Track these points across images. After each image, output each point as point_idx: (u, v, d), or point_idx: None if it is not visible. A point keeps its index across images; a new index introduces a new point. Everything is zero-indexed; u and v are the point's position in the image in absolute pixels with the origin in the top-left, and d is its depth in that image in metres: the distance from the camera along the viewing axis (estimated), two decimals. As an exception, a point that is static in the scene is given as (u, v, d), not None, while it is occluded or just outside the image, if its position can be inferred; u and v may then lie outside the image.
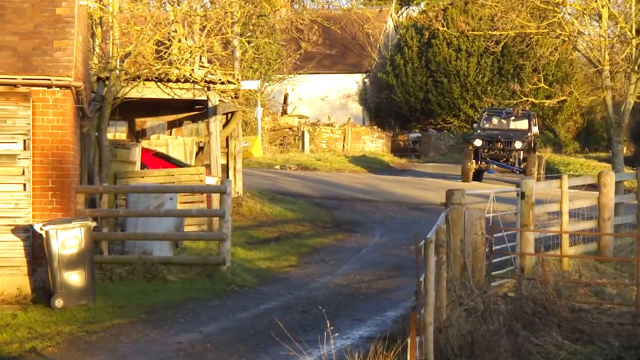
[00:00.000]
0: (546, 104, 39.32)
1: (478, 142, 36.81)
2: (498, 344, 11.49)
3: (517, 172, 37.19)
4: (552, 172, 37.74)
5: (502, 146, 36.90)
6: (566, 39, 32.69)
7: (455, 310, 12.41)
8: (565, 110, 57.81)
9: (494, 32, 34.07)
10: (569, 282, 15.41)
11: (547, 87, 35.06)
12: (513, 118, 38.04)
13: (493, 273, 15.15)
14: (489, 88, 54.67)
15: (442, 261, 11.80)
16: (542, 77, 35.99)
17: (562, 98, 35.17)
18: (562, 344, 12.30)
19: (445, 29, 38.12)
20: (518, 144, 36.74)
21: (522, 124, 38.26)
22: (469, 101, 55.99)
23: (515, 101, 34.81)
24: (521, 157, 36.86)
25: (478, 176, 37.22)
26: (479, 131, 37.79)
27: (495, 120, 38.50)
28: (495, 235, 15.31)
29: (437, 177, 40.05)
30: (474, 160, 36.60)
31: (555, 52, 36.59)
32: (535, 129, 38.76)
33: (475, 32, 39.29)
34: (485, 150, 36.81)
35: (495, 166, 37.52)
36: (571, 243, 18.46)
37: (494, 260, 15.40)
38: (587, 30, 32.43)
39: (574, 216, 19.31)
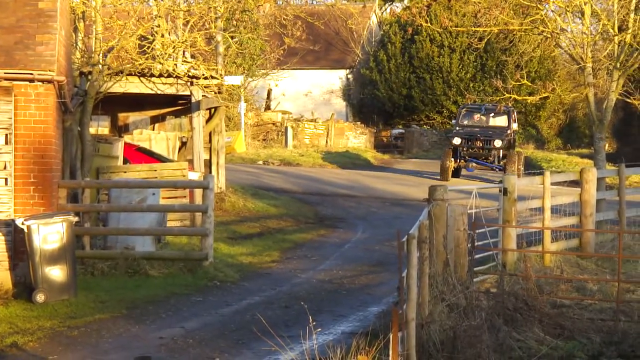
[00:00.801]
0: (529, 101, 39.38)
1: (457, 140, 36.03)
2: (480, 340, 11.51)
3: (497, 169, 36.55)
4: (534, 169, 37.87)
5: (481, 144, 36.10)
6: (549, 35, 32.76)
7: (437, 305, 12.44)
8: (548, 107, 57.99)
9: (477, 29, 34.13)
10: (551, 277, 15.46)
11: (529, 83, 35.03)
12: (492, 115, 37.24)
13: (475, 269, 15.17)
14: (471, 84, 54.77)
15: (424, 257, 11.82)
16: (525, 74, 36.14)
17: (544, 95, 35.24)
18: (544, 340, 12.34)
19: (429, 25, 38.03)
20: (498, 143, 36.00)
21: (502, 121, 37.43)
22: (451, 97, 56.06)
23: (498, 97, 34.87)
24: (501, 155, 36.12)
25: (456, 173, 36.42)
26: (457, 128, 37.02)
27: (474, 117, 37.55)
28: (477, 231, 15.35)
29: (415, 175, 39.61)
30: (452, 159, 35.72)
31: (537, 49, 36.78)
32: (514, 126, 38.11)
33: (459, 29, 39.43)
34: (465, 149, 35.97)
35: (474, 164, 36.68)
36: (553, 239, 18.53)
37: (477, 256, 15.44)
38: (569, 27, 32.51)
39: (556, 212, 19.38)
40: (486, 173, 38.85)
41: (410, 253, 10.86)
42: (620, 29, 30.90)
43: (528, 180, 19.19)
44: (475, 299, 13.02)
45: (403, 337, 10.42)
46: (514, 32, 34.64)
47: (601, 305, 14.52)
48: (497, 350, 11.63)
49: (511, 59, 41.75)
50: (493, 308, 12.90)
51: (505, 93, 33.20)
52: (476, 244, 15.11)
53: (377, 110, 58.69)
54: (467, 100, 40.87)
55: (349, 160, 46.84)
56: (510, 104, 35.80)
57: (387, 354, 9.90)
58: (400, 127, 57.51)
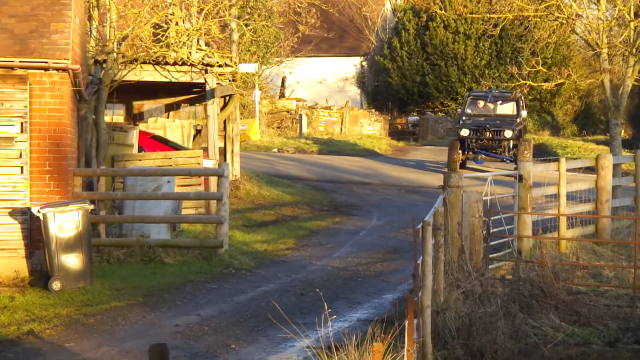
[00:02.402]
0: (544, 87, 39.18)
1: (465, 132, 33.52)
2: (495, 326, 11.51)
3: (507, 161, 34.10)
4: (549, 155, 37.65)
5: (490, 135, 33.57)
6: (564, 21, 32.60)
7: (452, 292, 12.43)
8: (563, 93, 57.77)
9: (492, 15, 33.98)
10: (567, 264, 15.43)
11: (545, 70, 34.90)
12: (500, 102, 34.89)
13: (491, 256, 15.16)
14: (486, 71, 54.58)
15: (439, 244, 11.80)
16: (540, 60, 35.94)
17: (560, 81, 35.06)
18: (560, 326, 12.33)
19: (443, 11, 37.93)
20: (508, 133, 33.58)
21: (509, 108, 35.05)
22: (466, 84, 55.87)
23: (513, 84, 34.74)
24: (511, 145, 33.81)
25: (463, 166, 33.92)
26: (464, 118, 34.47)
27: (481, 105, 35.06)
28: (492, 218, 15.33)
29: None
30: (460, 151, 33.28)
31: (553, 35, 36.48)
32: (524, 113, 35.94)
33: (473, 15, 39.11)
34: (473, 140, 33.54)
35: (483, 156, 34.45)
36: (569, 226, 18.49)
37: (492, 243, 15.43)
38: (585, 12, 32.34)
39: (571, 199, 19.33)
40: (496, 164, 38.21)
41: (426, 240, 10.86)
42: (636, 15, 30.74)
43: (543, 167, 19.14)
44: (491, 285, 13.01)
45: (418, 324, 10.42)
46: (529, 18, 34.46)
47: (617, 291, 14.49)
48: (512, 337, 11.63)
49: (526, 46, 41.57)
50: (509, 295, 12.89)
51: (520, 79, 33.05)
52: (491, 230, 15.09)
53: (392, 98, 58.59)
54: (483, 87, 40.06)
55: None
56: (525, 90, 35.55)
57: (403, 341, 9.90)
58: (415, 114, 57.41)
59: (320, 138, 48.90)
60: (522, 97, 36.24)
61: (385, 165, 38.00)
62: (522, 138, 34.49)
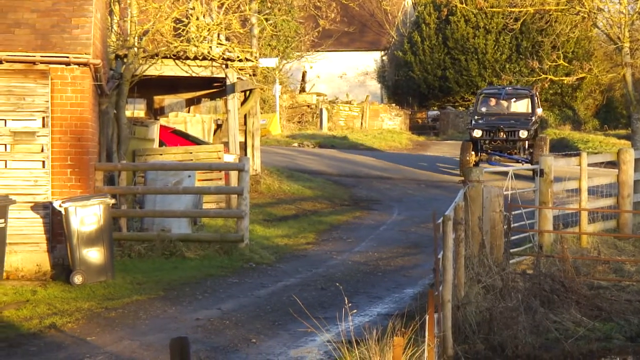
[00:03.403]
0: (565, 82, 39.06)
1: (477, 133, 31.15)
2: (516, 321, 11.49)
3: (523, 162, 31.53)
4: (570, 150, 37.56)
5: (504, 136, 31.20)
6: (586, 15, 32.50)
7: (473, 287, 12.42)
8: (585, 87, 57.56)
9: (512, 9, 33.92)
10: (588, 259, 15.39)
11: (566, 64, 34.80)
12: (514, 99, 32.65)
13: (511, 250, 15.14)
14: (507, 65, 54.44)
15: (460, 238, 11.79)
16: (561, 54, 35.79)
17: (581, 75, 34.96)
18: (581, 321, 12.30)
19: (464, 5, 37.80)
20: (523, 134, 31.16)
21: (524, 105, 32.70)
22: (487, 79, 55.75)
23: (534, 78, 34.65)
24: (526, 146, 31.47)
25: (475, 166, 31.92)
26: (476, 117, 32.17)
27: (493, 103, 32.84)
28: (513, 212, 15.29)
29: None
30: (473, 153, 31.12)
31: (574, 29, 36.37)
32: (539, 111, 33.24)
33: (494, 9, 39.05)
34: (486, 142, 31.25)
35: (497, 157, 31.99)
36: (590, 220, 18.43)
37: (513, 238, 15.39)
38: (606, 6, 32.23)
39: (592, 193, 19.26)
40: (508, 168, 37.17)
41: (446, 235, 10.85)
42: (658, 8, 30.60)
43: (565, 162, 19.08)
44: (512, 280, 12.99)
45: (439, 318, 10.41)
46: (550, 12, 34.37)
47: (639, 286, 14.43)
48: (533, 332, 11.60)
49: (547, 40, 41.39)
50: (529, 289, 12.87)
51: (541, 74, 32.98)
52: (512, 225, 15.06)
53: (412, 92, 58.53)
54: (504, 82, 39.66)
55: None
56: (546, 85, 35.35)
57: (423, 336, 9.89)
58: (435, 108, 57.32)
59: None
60: (537, 94, 34.05)
61: (405, 159, 37.92)
62: (537, 137, 32.27)
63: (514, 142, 31.38)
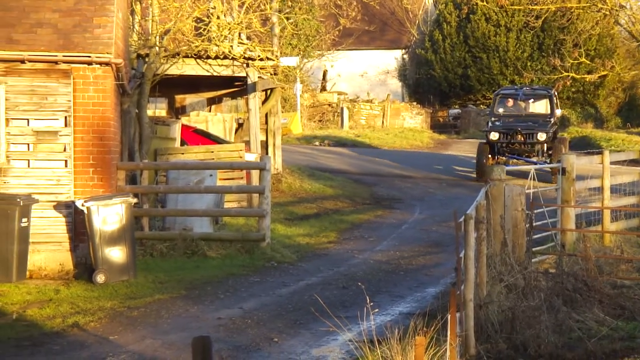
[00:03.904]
0: (587, 79, 38.90)
1: (494, 136, 30.05)
2: (539, 320, 11.44)
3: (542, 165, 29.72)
4: (593, 148, 37.36)
5: (523, 139, 30.00)
6: (608, 12, 32.36)
7: (495, 286, 12.38)
8: (607, 85, 57.29)
9: (534, 7, 33.82)
10: (611, 258, 15.32)
11: (588, 62, 34.63)
12: (532, 100, 31.51)
13: (534, 249, 15.08)
14: (529, 63, 54.24)
15: (482, 237, 11.76)
16: (583, 52, 35.64)
17: (603, 73, 34.82)
18: (604, 320, 12.23)
19: (485, 3, 37.69)
20: (542, 136, 29.91)
21: (542, 106, 31.39)
22: (508, 77, 55.58)
23: (556, 76, 34.53)
24: (545, 148, 30.28)
25: None
26: (493, 119, 31.06)
27: (510, 104, 31.69)
28: (535, 211, 15.24)
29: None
30: (489, 156, 29.98)
31: (596, 27, 36.24)
32: (558, 112, 31.92)
33: (515, 7, 38.86)
34: (504, 145, 30.07)
35: (515, 161, 30.77)
36: (613, 219, 18.35)
37: (535, 237, 15.34)
38: (628, 3, 32.10)
39: (615, 192, 19.17)
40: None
41: (468, 233, 10.82)
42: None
43: (587, 160, 19.00)
44: (534, 279, 12.93)
45: (461, 317, 10.39)
46: (572, 10, 34.23)
47: (662, 285, 14.34)
48: (556, 331, 11.55)
49: (569, 37, 41.28)
50: (552, 289, 12.81)
51: (563, 72, 32.86)
52: (534, 224, 15.00)
53: (433, 91, 58.42)
54: (526, 80, 39.35)
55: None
56: (568, 83, 35.14)
57: (445, 335, 9.87)
58: (456, 107, 57.21)
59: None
60: (556, 93, 32.89)
61: (426, 158, 37.86)
62: (556, 139, 31.05)
63: (532, 145, 30.24)
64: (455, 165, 35.07)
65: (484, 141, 30.73)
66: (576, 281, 13.10)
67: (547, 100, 31.41)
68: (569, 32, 42.14)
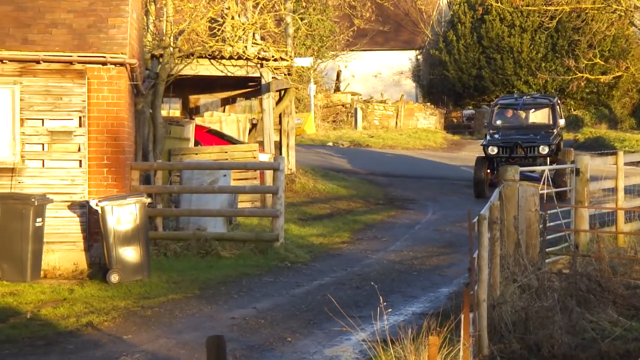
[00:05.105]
0: (601, 80, 38.75)
1: (493, 150, 27.71)
2: (552, 321, 11.43)
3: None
4: (607, 149, 37.27)
5: (523, 152, 27.65)
6: (622, 14, 32.25)
7: (508, 286, 12.37)
8: (621, 86, 57.13)
9: (548, 8, 33.70)
10: (625, 258, 15.28)
11: (602, 62, 34.48)
12: (533, 110, 29.41)
13: (547, 250, 15.05)
14: (543, 64, 54.14)
15: (495, 238, 11.75)
16: (598, 53, 35.52)
17: (618, 74, 34.67)
18: (618, 321, 12.21)
19: (499, 4, 37.62)
20: (544, 149, 27.60)
21: (544, 116, 29.30)
22: (522, 77, 55.50)
23: (570, 77, 34.42)
24: (548, 162, 27.39)
25: (493, 185, 26.10)
26: (491, 131, 28.81)
27: (510, 114, 29.54)
28: (549, 211, 15.22)
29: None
30: (488, 171, 27.65)
31: (611, 27, 36.07)
32: (562, 122, 29.56)
33: (529, 8, 38.68)
34: (503, 160, 27.32)
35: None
36: (627, 220, 18.30)
37: (548, 237, 15.30)
38: (643, 4, 31.98)
39: (629, 193, 19.13)
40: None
41: (481, 234, 10.81)
42: (696, 7, 30.35)
43: (601, 161, 18.96)
44: (548, 280, 12.92)
45: (474, 317, 10.39)
46: (587, 11, 34.11)
47: (676, 286, 14.30)
48: (569, 332, 11.54)
49: (583, 38, 41.11)
50: (565, 289, 12.79)
51: (577, 72, 32.75)
52: (548, 224, 14.98)
53: (447, 91, 58.37)
54: (540, 80, 39.01)
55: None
56: (582, 84, 35.02)
57: (459, 335, 9.88)
58: (470, 107, 57.14)
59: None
60: (559, 102, 30.73)
61: (440, 159, 37.86)
62: (560, 151, 28.75)
63: (534, 159, 27.69)
64: (467, 167, 35.03)
65: (482, 155, 28.23)
66: (590, 282, 13.08)
67: (549, 109, 29.35)
68: (584, 32, 41.98)
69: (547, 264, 14.57)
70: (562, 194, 19.98)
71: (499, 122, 29.09)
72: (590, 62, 33.10)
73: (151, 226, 17.46)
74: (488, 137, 28.58)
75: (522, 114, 29.48)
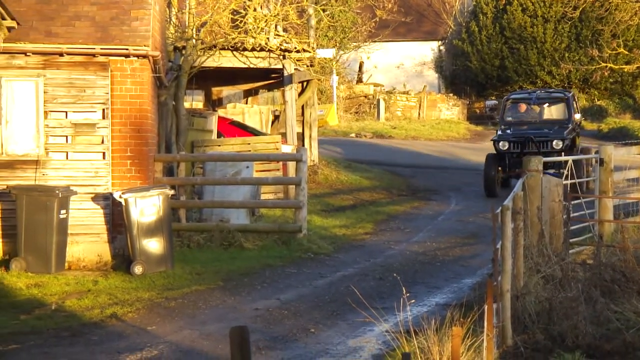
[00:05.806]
0: (625, 70, 38.57)
1: (504, 145, 26.51)
2: (576, 311, 11.39)
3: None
4: (631, 139, 37.07)
5: (536, 148, 26.16)
6: (647, 3, 32.04)
7: (532, 277, 12.33)
8: (645, 76, 56.83)
9: (571, -2, 33.55)
10: (649, 249, 15.19)
11: (626, 52, 34.27)
12: (547, 104, 28.09)
13: (571, 240, 14.99)
14: (566, 54, 53.92)
15: (519, 228, 11.71)
16: (622, 43, 35.31)
17: (642, 63, 34.44)
18: (642, 312, 12.14)
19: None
20: (557, 144, 26.26)
21: (559, 111, 28.00)
22: (546, 68, 55.29)
23: (594, 67, 34.24)
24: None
25: (505, 184, 27.01)
26: (503, 126, 27.59)
27: (523, 109, 28.17)
28: (573, 202, 15.16)
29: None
30: (500, 168, 26.56)
31: (635, 17, 35.86)
32: (577, 116, 28.29)
33: (552, -2, 38.52)
34: (515, 156, 26.14)
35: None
36: (651, 210, 18.20)
37: (572, 228, 15.25)
38: (668, -7, 31.78)
39: (654, 183, 19.03)
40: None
41: (505, 224, 10.78)
42: None
43: (625, 151, 18.86)
44: (572, 270, 12.86)
45: (498, 308, 10.36)
46: (610, 0, 33.94)
47: (701, 276, 14.22)
48: (594, 322, 11.49)
49: (607, 28, 40.91)
50: (589, 280, 12.74)
51: (601, 62, 32.58)
52: (572, 215, 14.93)
53: (470, 82, 58.22)
54: (564, 70, 38.78)
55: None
56: (606, 73, 34.81)
57: (482, 326, 9.86)
58: (493, 98, 56.98)
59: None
60: (575, 96, 29.55)
61: (463, 149, 37.78)
62: (575, 147, 27.71)
63: (547, 155, 25.14)
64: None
65: (493, 153, 26.97)
66: (614, 272, 13.02)
67: (564, 104, 28.10)
68: (607, 22, 41.78)
69: (571, 254, 14.52)
70: (585, 184, 19.60)
71: (510, 118, 28.11)
72: (614, 52, 32.91)
73: (174, 218, 17.50)
74: (499, 132, 27.56)
75: (536, 109, 28.33)
